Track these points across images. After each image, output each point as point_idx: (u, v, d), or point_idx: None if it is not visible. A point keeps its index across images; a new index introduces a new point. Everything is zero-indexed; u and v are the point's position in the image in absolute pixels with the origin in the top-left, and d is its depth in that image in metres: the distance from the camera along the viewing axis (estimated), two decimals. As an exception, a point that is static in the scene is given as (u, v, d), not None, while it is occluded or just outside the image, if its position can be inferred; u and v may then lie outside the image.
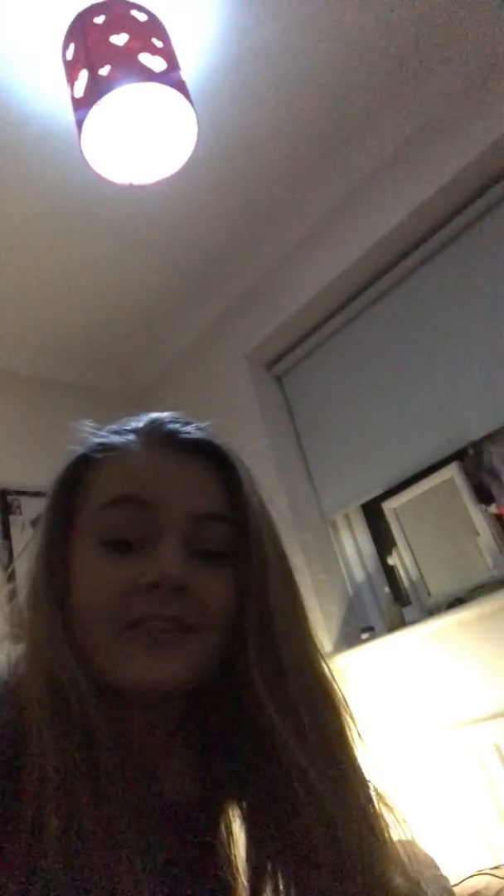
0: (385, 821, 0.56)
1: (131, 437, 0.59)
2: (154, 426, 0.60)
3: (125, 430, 0.60)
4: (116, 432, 0.60)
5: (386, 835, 0.55)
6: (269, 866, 0.56)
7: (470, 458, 2.09)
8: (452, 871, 1.64)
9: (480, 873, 1.64)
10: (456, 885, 1.58)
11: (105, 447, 0.58)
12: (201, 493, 0.57)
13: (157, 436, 0.59)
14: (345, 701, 0.59)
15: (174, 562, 0.52)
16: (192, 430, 0.60)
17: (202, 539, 0.55)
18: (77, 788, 0.46)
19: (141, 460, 0.57)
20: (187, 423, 0.61)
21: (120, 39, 1.38)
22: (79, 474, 0.58)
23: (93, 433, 0.61)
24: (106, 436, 0.60)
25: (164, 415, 0.62)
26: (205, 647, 0.54)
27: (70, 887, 0.44)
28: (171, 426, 0.60)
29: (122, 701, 0.53)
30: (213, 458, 0.59)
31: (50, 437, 0.63)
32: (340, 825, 0.52)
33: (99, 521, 0.55)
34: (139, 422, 0.61)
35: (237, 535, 0.57)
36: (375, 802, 0.57)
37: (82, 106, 1.38)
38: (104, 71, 1.35)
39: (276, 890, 0.55)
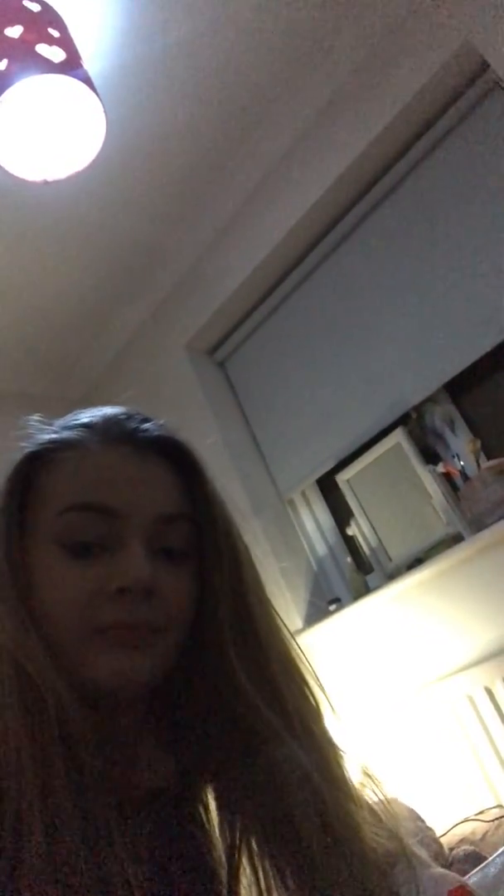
0: (361, 788, 0.58)
1: (86, 433, 0.57)
2: (110, 423, 0.58)
3: (78, 425, 0.58)
4: (69, 428, 0.58)
5: (362, 803, 0.57)
6: (242, 843, 0.56)
7: (413, 421, 2.13)
8: (439, 821, 1.69)
9: (466, 820, 1.69)
10: (443, 834, 1.63)
11: (58, 444, 0.57)
12: (164, 494, 0.56)
13: (114, 434, 0.57)
14: (316, 676, 0.61)
15: (143, 567, 0.52)
16: (150, 428, 0.59)
17: (164, 539, 0.55)
18: (56, 784, 0.46)
19: (100, 462, 0.56)
20: (144, 420, 0.60)
21: (14, 32, 1.34)
22: (31, 473, 0.56)
23: (41, 429, 0.59)
24: (58, 431, 0.58)
25: (118, 411, 0.60)
26: (169, 646, 0.54)
27: (55, 882, 0.43)
28: (129, 424, 0.58)
29: (93, 696, 0.52)
30: (172, 455, 0.58)
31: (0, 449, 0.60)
32: (323, 793, 0.53)
33: (60, 524, 0.54)
34: (93, 416, 0.59)
35: (201, 531, 0.57)
36: (353, 769, 0.58)
37: (-17, 104, 1.34)
38: (1, 65, 1.31)
39: (253, 867, 0.55)
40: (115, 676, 0.51)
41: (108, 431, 0.57)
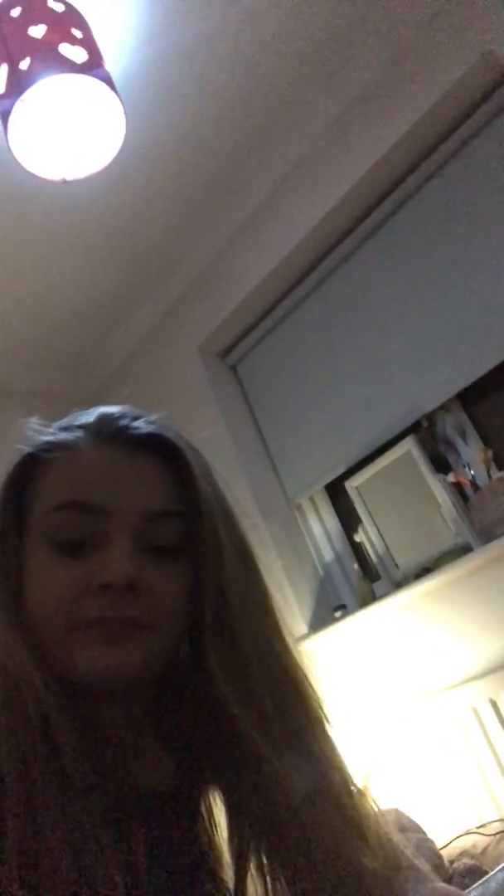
0: (358, 802, 0.57)
1: (80, 433, 0.58)
2: (103, 422, 0.59)
3: (74, 426, 0.59)
4: (65, 429, 0.59)
5: (359, 817, 0.56)
6: (249, 850, 0.55)
7: (424, 430, 2.12)
8: (441, 833, 1.68)
9: (468, 833, 1.68)
10: (443, 847, 1.61)
11: (53, 446, 0.57)
12: (152, 491, 0.56)
13: (105, 433, 0.58)
14: (313, 685, 0.59)
15: (125, 563, 0.52)
16: (141, 425, 0.59)
17: (154, 536, 0.55)
18: (38, 785, 0.45)
19: (89, 461, 0.56)
20: (137, 418, 0.60)
21: (38, 31, 1.35)
22: (27, 475, 0.57)
23: (39, 431, 0.59)
24: (54, 433, 0.59)
25: (114, 409, 0.60)
26: (158, 642, 0.54)
27: (37, 884, 0.43)
28: (121, 422, 0.59)
29: (83, 693, 0.52)
30: (164, 452, 0.58)
31: (8, 445, 0.61)
32: (305, 811, 0.52)
33: (49, 523, 0.54)
34: (88, 417, 0.60)
35: (190, 527, 0.56)
36: (349, 785, 0.57)
37: (5, 102, 1.35)
38: (24, 65, 1.32)
39: (260, 873, 0.55)
40: (100, 670, 0.51)
41: (100, 431, 0.58)
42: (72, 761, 0.47)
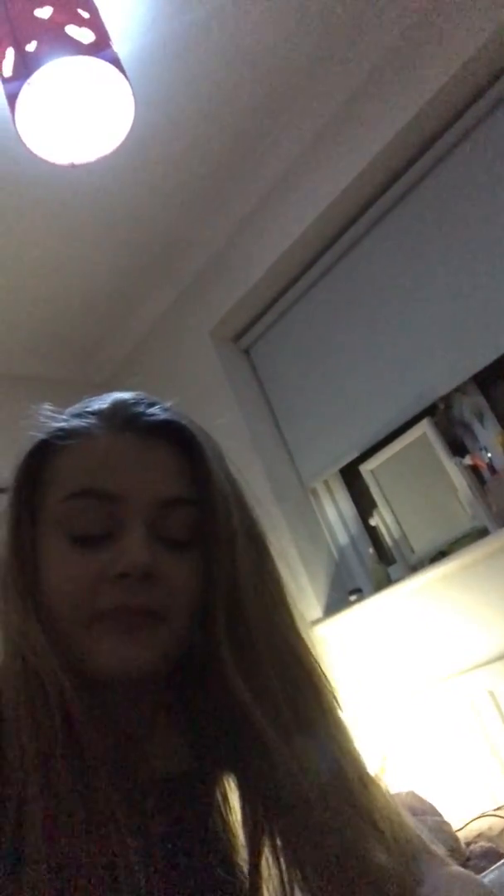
0: (371, 788, 0.57)
1: (93, 420, 0.57)
2: (117, 409, 0.58)
3: (87, 412, 0.59)
4: (78, 415, 0.59)
5: (370, 803, 0.56)
6: (264, 834, 0.56)
7: (440, 412, 2.09)
8: (457, 816, 1.68)
9: (483, 815, 1.68)
10: (459, 829, 1.62)
11: (67, 432, 0.57)
12: (165, 479, 0.56)
13: (119, 419, 0.57)
14: (324, 673, 0.59)
15: (142, 551, 0.52)
16: (155, 412, 0.58)
17: (167, 524, 0.55)
18: (59, 771, 0.46)
19: (103, 448, 0.56)
20: (151, 405, 0.59)
21: (44, 13, 1.33)
22: (41, 462, 0.57)
23: (52, 417, 0.59)
24: (67, 419, 0.58)
25: (128, 396, 0.60)
26: (172, 633, 0.54)
27: (57, 868, 0.43)
28: (135, 409, 0.58)
29: (99, 682, 0.53)
30: (178, 439, 0.58)
31: (21, 433, 0.60)
32: (316, 797, 0.53)
33: (63, 511, 0.54)
34: (102, 403, 0.59)
35: (203, 515, 0.56)
36: (362, 771, 0.57)
37: (13, 86, 1.34)
38: (31, 47, 1.30)
39: (275, 856, 0.55)
40: (116, 662, 0.52)
41: (113, 417, 0.57)
42: (90, 748, 0.48)
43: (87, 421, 0.57)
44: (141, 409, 0.58)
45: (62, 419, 0.59)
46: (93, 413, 0.58)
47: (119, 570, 0.51)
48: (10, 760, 0.47)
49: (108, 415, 0.58)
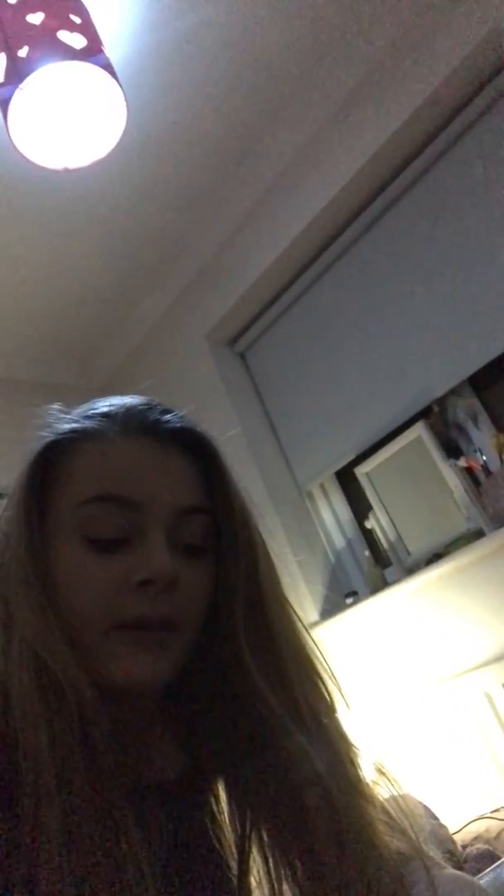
0: (365, 791, 0.57)
1: (106, 422, 0.56)
2: (131, 414, 0.57)
3: (97, 414, 0.58)
4: (88, 417, 0.58)
5: (377, 797, 0.57)
6: (252, 833, 0.56)
7: (435, 415, 2.10)
8: (454, 818, 1.68)
9: (481, 818, 1.67)
10: (456, 832, 1.62)
11: (79, 433, 0.56)
12: (184, 487, 0.56)
13: (134, 425, 0.56)
14: (331, 671, 0.60)
15: (166, 558, 0.51)
16: (172, 419, 0.58)
17: (184, 533, 0.55)
18: (73, 770, 0.46)
19: (121, 453, 0.55)
20: (165, 411, 0.59)
21: (36, 18, 1.33)
22: (51, 462, 0.55)
23: (61, 418, 0.58)
24: (78, 420, 0.57)
25: (138, 401, 0.59)
26: (184, 643, 0.54)
27: (71, 866, 0.43)
28: (150, 415, 0.58)
29: (108, 693, 0.52)
30: (193, 447, 0.58)
31: (19, 439, 0.59)
32: (333, 788, 0.53)
33: (80, 515, 0.53)
34: (111, 406, 0.58)
35: (218, 524, 0.56)
36: (358, 773, 0.58)
37: (5, 91, 1.34)
38: (23, 52, 1.30)
39: (263, 857, 0.56)
40: (130, 678, 0.51)
41: (128, 422, 0.57)
42: (105, 761, 0.47)
43: (99, 423, 0.56)
44: (156, 415, 0.58)
45: (71, 419, 0.58)
46: (104, 416, 0.57)
47: (143, 576, 0.51)
48: (26, 774, 0.46)
49: (123, 418, 0.57)
